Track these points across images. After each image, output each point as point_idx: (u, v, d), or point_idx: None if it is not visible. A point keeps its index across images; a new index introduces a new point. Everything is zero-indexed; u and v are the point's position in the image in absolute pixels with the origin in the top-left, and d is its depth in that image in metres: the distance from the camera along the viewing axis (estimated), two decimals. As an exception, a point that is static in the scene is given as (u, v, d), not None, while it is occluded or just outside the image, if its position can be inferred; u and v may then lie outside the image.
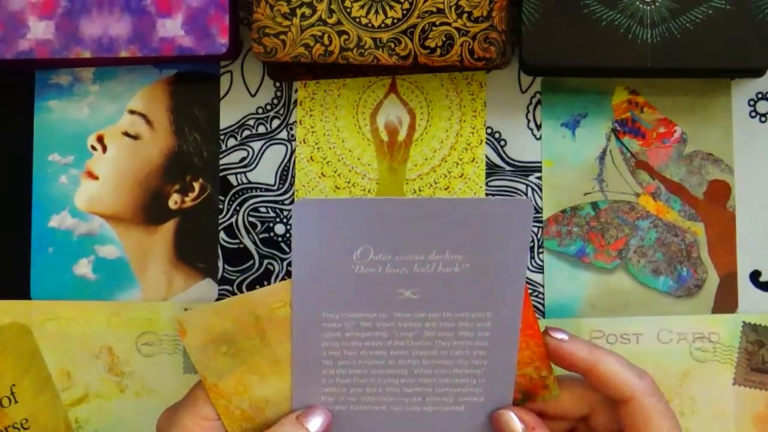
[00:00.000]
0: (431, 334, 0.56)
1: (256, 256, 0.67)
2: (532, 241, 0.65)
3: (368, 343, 0.56)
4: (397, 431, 0.58)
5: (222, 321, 0.56)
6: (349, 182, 0.67)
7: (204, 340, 0.56)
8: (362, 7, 0.63)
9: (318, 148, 0.67)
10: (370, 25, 0.63)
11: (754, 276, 0.65)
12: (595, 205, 0.66)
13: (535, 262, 0.66)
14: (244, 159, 0.67)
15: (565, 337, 0.57)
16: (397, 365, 0.57)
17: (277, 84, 0.67)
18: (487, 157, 0.66)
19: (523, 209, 0.54)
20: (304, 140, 0.67)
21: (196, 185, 0.67)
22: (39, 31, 0.64)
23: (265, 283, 0.67)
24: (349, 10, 0.63)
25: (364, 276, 0.55)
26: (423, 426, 0.58)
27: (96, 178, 0.68)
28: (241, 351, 0.56)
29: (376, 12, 0.63)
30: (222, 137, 0.68)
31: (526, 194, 0.66)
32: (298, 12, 0.63)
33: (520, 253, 0.55)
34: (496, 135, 0.66)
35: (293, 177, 0.67)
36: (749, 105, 0.66)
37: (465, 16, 0.62)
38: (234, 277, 0.67)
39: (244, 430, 0.57)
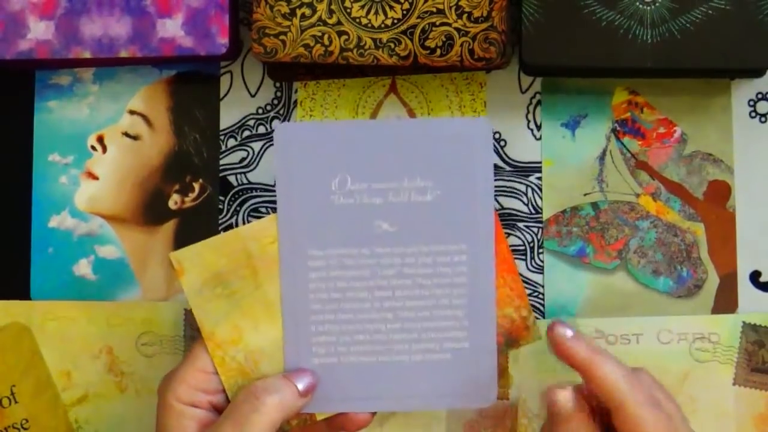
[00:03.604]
0: (411, 271, 0.58)
1: (256, 256, 0.67)
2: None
3: (353, 283, 0.58)
4: (386, 382, 0.59)
5: (217, 258, 0.57)
6: (349, 182, 0.67)
7: (200, 280, 0.58)
8: (362, 7, 0.63)
9: (318, 148, 0.67)
10: (370, 25, 0.63)
11: (754, 276, 0.65)
12: (595, 206, 0.66)
13: (535, 262, 0.66)
14: (244, 159, 0.67)
15: (569, 333, 0.56)
16: (382, 308, 0.58)
17: (277, 84, 0.67)
18: (487, 157, 0.66)
19: (482, 129, 0.57)
20: (304, 140, 0.67)
21: (196, 185, 0.67)
22: (39, 31, 0.64)
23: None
24: (349, 10, 0.63)
25: (344, 207, 0.57)
26: (412, 377, 0.59)
27: (96, 178, 0.68)
28: (235, 293, 0.58)
29: (376, 12, 0.63)
30: (222, 137, 0.68)
31: (526, 194, 0.66)
32: (298, 12, 0.63)
33: (485, 178, 0.57)
34: (496, 135, 0.66)
35: (293, 177, 0.67)
36: (749, 105, 0.66)
37: (465, 16, 0.62)
38: (234, 277, 0.67)
39: (239, 386, 0.58)
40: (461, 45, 0.62)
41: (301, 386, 0.57)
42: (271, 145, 0.67)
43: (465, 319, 0.58)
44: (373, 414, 0.60)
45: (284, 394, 0.57)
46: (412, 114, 0.66)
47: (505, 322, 0.59)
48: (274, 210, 0.67)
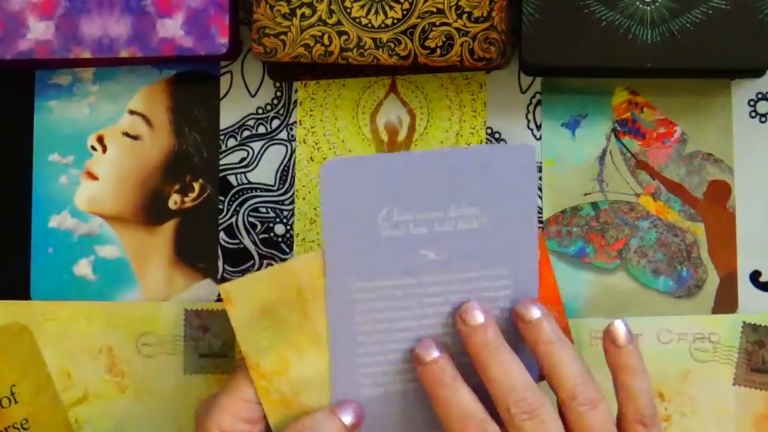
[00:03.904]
0: (457, 298, 0.57)
1: (256, 257, 0.67)
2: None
3: (399, 313, 0.57)
4: (430, 410, 0.58)
5: (268, 291, 0.57)
6: (349, 182, 0.67)
7: (249, 312, 0.57)
8: (362, 7, 0.63)
9: (318, 149, 0.67)
10: (370, 25, 0.63)
11: (754, 276, 0.65)
12: (595, 206, 0.66)
13: (535, 262, 0.66)
14: (244, 159, 0.67)
15: (534, 317, 0.56)
16: (429, 336, 0.58)
17: (277, 84, 0.67)
18: (487, 157, 0.66)
19: (525, 155, 0.57)
20: (304, 140, 0.67)
21: (196, 185, 0.67)
22: (39, 31, 0.64)
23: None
24: (349, 10, 0.63)
25: (390, 239, 0.56)
26: None
27: (96, 178, 0.68)
28: (283, 325, 0.57)
29: (376, 12, 0.63)
30: (222, 137, 0.68)
31: (526, 194, 0.66)
32: (298, 12, 0.63)
33: (530, 202, 0.57)
34: (496, 135, 0.66)
35: (293, 177, 0.67)
36: (749, 105, 0.66)
37: (465, 16, 0.62)
38: (234, 278, 0.67)
39: (283, 416, 0.57)
40: (461, 45, 0.62)
41: (347, 420, 0.57)
42: (272, 145, 0.67)
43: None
44: None
45: (329, 429, 0.56)
46: (412, 114, 0.66)
47: None
48: (276, 218, 0.67)
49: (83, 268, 0.67)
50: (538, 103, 0.66)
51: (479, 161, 0.56)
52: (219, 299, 0.67)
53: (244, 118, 0.67)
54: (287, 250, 0.67)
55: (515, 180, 0.57)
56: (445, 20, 0.62)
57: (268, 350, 0.57)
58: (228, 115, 0.68)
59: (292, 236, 0.67)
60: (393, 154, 0.65)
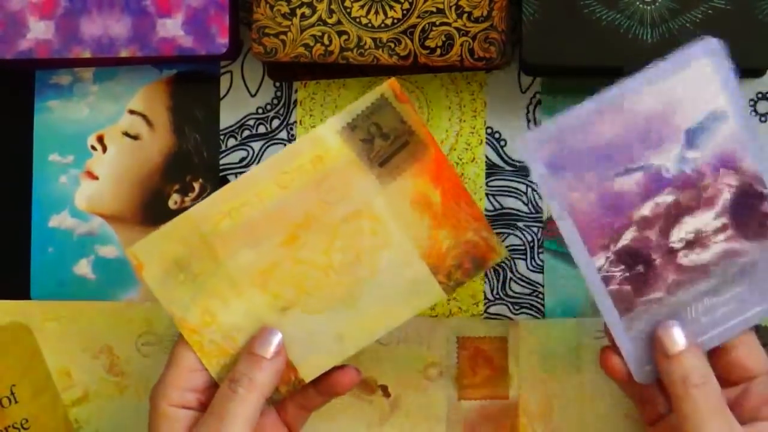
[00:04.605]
0: None
1: (256, 256, 0.67)
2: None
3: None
4: (354, 319, 0.59)
5: (173, 245, 0.58)
6: (349, 182, 0.67)
7: (161, 270, 0.58)
8: (362, 7, 0.63)
9: (318, 148, 0.67)
10: (370, 25, 0.63)
11: (754, 276, 0.65)
12: (595, 205, 0.66)
13: (535, 262, 0.66)
14: (244, 159, 0.67)
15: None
16: None
17: (277, 84, 0.67)
18: (487, 157, 0.66)
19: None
20: (304, 140, 0.67)
21: (196, 185, 0.67)
22: (39, 31, 0.64)
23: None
24: (349, 10, 0.63)
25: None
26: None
27: (96, 178, 0.68)
28: (197, 276, 0.58)
29: (376, 12, 0.63)
30: (222, 137, 0.68)
31: (525, 194, 0.66)
32: (298, 12, 0.63)
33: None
34: (496, 135, 0.66)
35: (293, 177, 0.67)
36: (749, 105, 0.66)
37: (465, 16, 0.62)
38: (234, 277, 0.67)
39: (223, 366, 0.58)
40: (461, 45, 0.62)
41: (267, 352, 0.58)
42: (272, 145, 0.67)
43: None
44: (359, 372, 0.60)
45: (253, 372, 0.57)
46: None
47: (469, 247, 0.59)
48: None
49: (83, 267, 0.67)
50: (538, 103, 0.66)
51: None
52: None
53: (244, 118, 0.67)
54: (287, 250, 0.67)
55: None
56: (445, 20, 0.62)
57: (190, 304, 0.58)
58: (228, 115, 0.68)
59: (292, 236, 0.67)
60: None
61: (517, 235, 0.66)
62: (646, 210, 0.55)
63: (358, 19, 0.63)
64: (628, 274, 0.56)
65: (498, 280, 0.66)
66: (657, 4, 0.61)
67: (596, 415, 0.65)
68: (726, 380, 0.56)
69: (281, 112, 0.67)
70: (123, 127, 0.68)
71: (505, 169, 0.66)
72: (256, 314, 0.59)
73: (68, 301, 0.67)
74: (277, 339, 0.58)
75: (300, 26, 0.63)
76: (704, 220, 0.56)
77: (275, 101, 0.67)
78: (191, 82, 0.68)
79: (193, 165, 0.67)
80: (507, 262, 0.66)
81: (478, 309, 0.66)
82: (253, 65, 0.67)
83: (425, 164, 0.58)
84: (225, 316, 0.59)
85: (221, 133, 0.68)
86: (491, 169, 0.66)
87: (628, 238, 0.55)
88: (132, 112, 0.68)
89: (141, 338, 0.67)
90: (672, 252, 0.56)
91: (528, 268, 0.66)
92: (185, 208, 0.67)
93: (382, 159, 0.58)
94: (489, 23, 0.62)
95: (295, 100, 0.67)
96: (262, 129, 0.67)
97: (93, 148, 0.68)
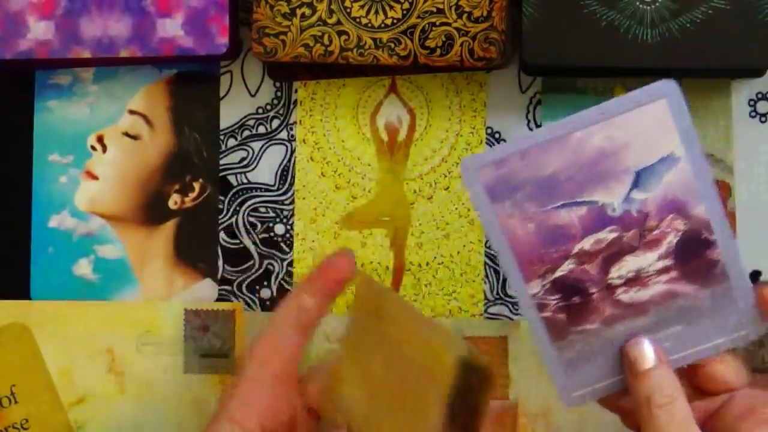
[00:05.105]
0: None
1: (256, 256, 0.67)
2: None
3: None
4: None
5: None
6: (349, 182, 0.67)
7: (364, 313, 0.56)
8: (362, 7, 0.63)
9: (318, 148, 0.67)
10: (370, 25, 0.63)
11: (754, 276, 0.65)
12: (595, 205, 0.66)
13: (535, 262, 0.66)
14: (244, 159, 0.67)
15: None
16: None
17: (277, 84, 0.67)
18: (487, 157, 0.66)
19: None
20: (304, 140, 0.67)
21: (196, 185, 0.67)
22: (39, 31, 0.64)
23: (265, 283, 0.67)
24: (349, 10, 0.63)
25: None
26: None
27: (96, 178, 0.68)
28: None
29: (376, 12, 0.63)
30: (222, 137, 0.68)
31: (526, 194, 0.66)
32: (298, 12, 0.63)
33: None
34: (496, 135, 0.66)
35: (293, 177, 0.67)
36: (749, 105, 0.66)
37: (465, 16, 0.62)
38: (234, 277, 0.67)
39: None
40: (461, 45, 0.62)
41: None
42: (272, 145, 0.67)
43: None
44: (353, 260, 0.58)
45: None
46: (412, 113, 0.66)
47: None
48: (276, 218, 0.67)
49: (83, 267, 0.67)
50: (538, 103, 0.66)
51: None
52: (219, 299, 0.67)
53: (244, 118, 0.67)
54: (287, 250, 0.67)
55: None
56: (445, 20, 0.62)
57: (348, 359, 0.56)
58: (228, 115, 0.68)
59: (292, 236, 0.67)
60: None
61: (517, 235, 0.66)
62: (586, 244, 0.54)
63: (358, 19, 0.63)
64: (563, 304, 0.55)
65: (498, 280, 0.66)
66: (657, 4, 0.61)
67: (595, 416, 0.65)
68: (706, 390, 0.55)
69: (281, 112, 0.67)
70: (123, 127, 0.68)
71: (505, 169, 0.66)
72: None
73: (68, 301, 0.67)
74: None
75: (300, 26, 0.63)
76: (647, 260, 0.54)
77: (275, 101, 0.67)
78: (191, 82, 0.68)
79: (193, 165, 0.67)
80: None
81: (478, 309, 0.66)
82: (253, 65, 0.67)
83: None
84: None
85: (221, 133, 0.68)
86: (491, 169, 0.66)
87: (565, 269, 0.54)
88: (132, 112, 0.68)
89: (141, 338, 0.67)
90: (610, 287, 0.54)
91: (528, 268, 0.66)
92: (185, 208, 0.67)
93: None
94: (489, 23, 0.62)
95: (295, 100, 0.67)
96: (262, 129, 0.67)
97: (93, 148, 0.68)
